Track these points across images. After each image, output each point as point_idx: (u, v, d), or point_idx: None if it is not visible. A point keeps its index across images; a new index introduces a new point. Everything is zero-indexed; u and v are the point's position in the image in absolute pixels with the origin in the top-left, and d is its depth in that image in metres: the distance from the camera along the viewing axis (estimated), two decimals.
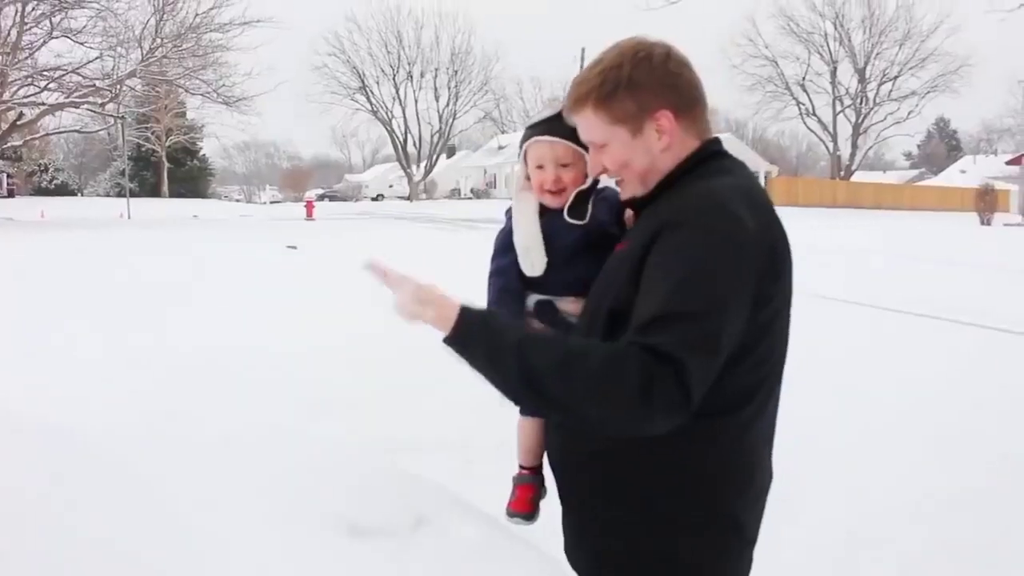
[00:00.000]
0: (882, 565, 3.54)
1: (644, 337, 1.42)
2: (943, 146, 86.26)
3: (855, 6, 59.60)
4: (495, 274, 1.92)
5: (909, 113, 61.65)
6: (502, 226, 1.96)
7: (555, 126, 1.81)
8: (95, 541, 1.20)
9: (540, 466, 1.90)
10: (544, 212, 1.88)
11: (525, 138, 1.89)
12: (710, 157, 1.62)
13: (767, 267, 1.49)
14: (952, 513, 4.05)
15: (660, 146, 1.60)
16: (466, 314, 1.49)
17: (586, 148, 1.73)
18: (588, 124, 1.64)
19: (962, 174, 67.32)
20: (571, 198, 1.84)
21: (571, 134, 1.75)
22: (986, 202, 32.95)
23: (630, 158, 1.62)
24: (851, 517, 3.97)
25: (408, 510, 1.39)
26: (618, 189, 1.74)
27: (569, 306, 1.80)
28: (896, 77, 60.29)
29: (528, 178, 1.91)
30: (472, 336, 1.48)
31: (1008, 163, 40.33)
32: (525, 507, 1.84)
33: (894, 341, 8.26)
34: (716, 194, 1.51)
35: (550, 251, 1.84)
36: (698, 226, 1.48)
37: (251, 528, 1.30)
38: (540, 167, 1.86)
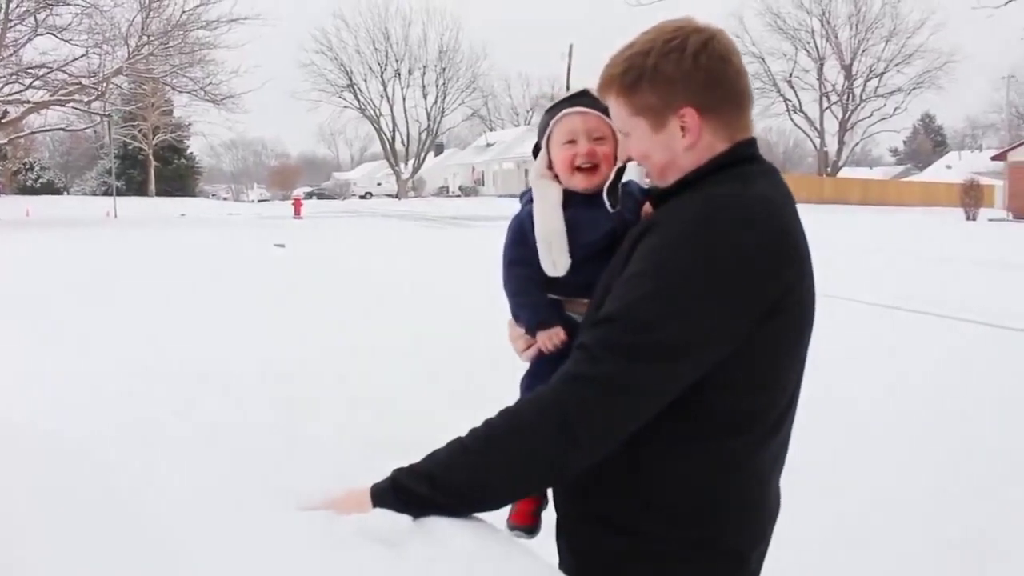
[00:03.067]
0: (878, 565, 3.52)
1: (585, 335, 1.40)
2: (929, 142, 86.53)
3: (841, 3, 59.98)
4: (516, 263, 1.75)
5: (895, 109, 62.15)
6: (516, 212, 1.78)
7: (584, 100, 1.69)
8: (81, 546, 1.17)
9: None
10: (568, 204, 1.69)
11: (550, 115, 1.73)
12: (737, 162, 1.47)
13: (758, 290, 1.37)
14: (942, 511, 4.03)
15: (683, 144, 1.46)
16: (375, 489, 1.39)
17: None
18: (613, 110, 1.53)
19: (948, 169, 67.61)
20: (611, 176, 1.67)
21: (604, 108, 1.61)
22: (971, 197, 33.16)
23: (650, 151, 1.50)
24: (841, 517, 3.95)
25: (401, 516, 1.35)
26: (640, 181, 1.67)
27: (581, 308, 1.64)
28: (882, 73, 60.68)
29: (550, 166, 1.74)
30: (391, 504, 1.35)
31: (993, 158, 40.52)
32: (526, 520, 1.72)
33: (882, 337, 8.27)
34: (715, 208, 1.39)
35: (572, 247, 1.67)
36: (679, 236, 1.38)
37: (237, 533, 1.27)
38: (571, 141, 1.69)
